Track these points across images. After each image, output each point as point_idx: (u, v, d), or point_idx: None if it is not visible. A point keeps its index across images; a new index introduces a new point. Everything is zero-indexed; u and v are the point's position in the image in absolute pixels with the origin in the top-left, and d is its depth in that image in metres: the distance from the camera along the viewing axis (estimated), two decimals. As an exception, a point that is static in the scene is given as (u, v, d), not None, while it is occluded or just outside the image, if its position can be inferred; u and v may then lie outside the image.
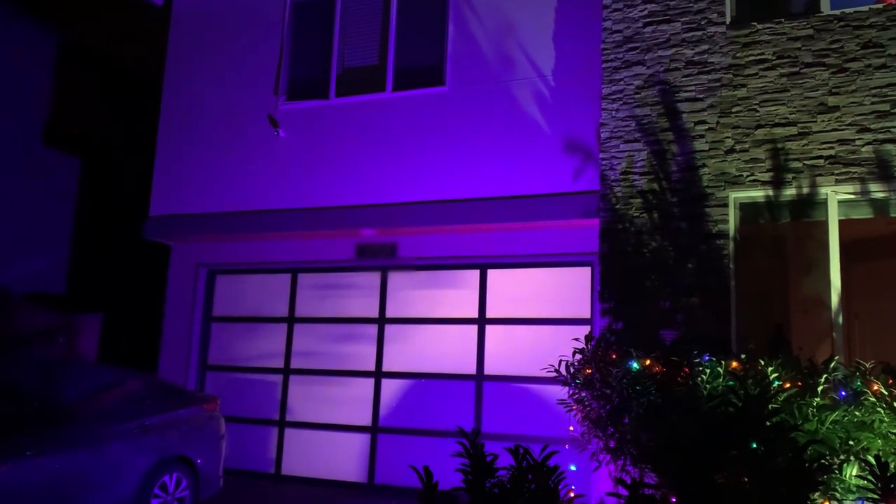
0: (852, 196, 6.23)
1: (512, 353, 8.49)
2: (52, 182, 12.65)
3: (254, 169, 9.71)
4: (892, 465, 3.59)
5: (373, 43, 9.49)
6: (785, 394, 4.85)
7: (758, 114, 6.55)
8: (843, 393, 4.97)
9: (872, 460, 3.72)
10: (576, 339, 6.31)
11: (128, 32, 13.87)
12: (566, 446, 5.99)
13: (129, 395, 6.68)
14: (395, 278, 9.30)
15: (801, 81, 6.46)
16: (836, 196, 6.24)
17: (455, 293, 8.92)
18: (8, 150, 11.80)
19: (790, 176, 6.35)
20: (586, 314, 8.12)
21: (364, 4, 9.60)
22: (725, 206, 6.50)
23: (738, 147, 6.56)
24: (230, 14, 10.36)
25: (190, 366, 9.95)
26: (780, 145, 6.42)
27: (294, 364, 9.64)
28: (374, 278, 9.39)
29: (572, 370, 6.01)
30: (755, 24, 6.71)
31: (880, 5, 6.39)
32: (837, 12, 6.49)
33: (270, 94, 9.81)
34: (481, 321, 8.70)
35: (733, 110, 6.64)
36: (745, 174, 6.49)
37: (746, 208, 6.62)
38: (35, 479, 5.50)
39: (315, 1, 9.89)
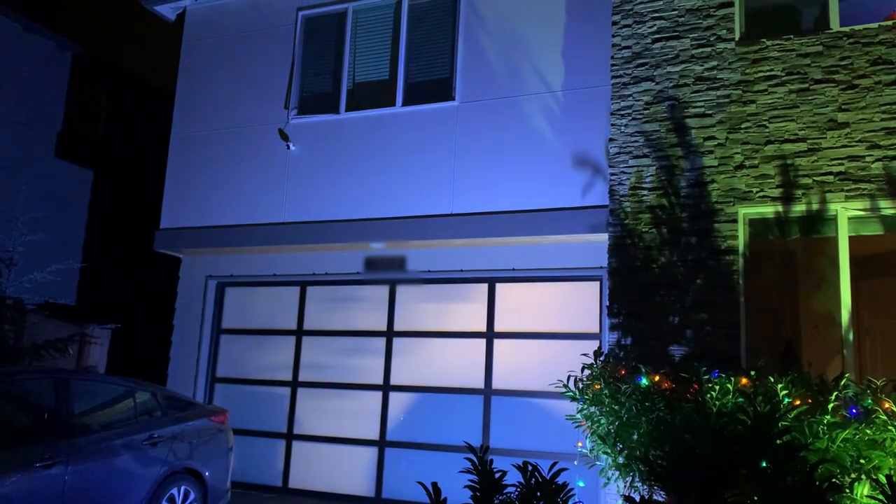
0: (862, 212, 6.21)
1: (520, 367, 8.47)
2: (63, 194, 12.76)
3: (264, 182, 9.77)
4: (903, 485, 3.56)
5: (383, 58, 9.55)
6: (795, 411, 4.83)
7: (767, 130, 6.55)
8: (854, 411, 4.94)
9: (884, 479, 3.70)
10: (584, 355, 6.31)
11: (141, 46, 14.02)
12: (575, 462, 5.99)
13: (138, 407, 6.70)
14: (403, 292, 9.31)
15: (810, 98, 6.47)
16: (846, 212, 6.23)
17: (463, 307, 8.92)
18: (21, 161, 11.91)
19: (800, 192, 6.34)
20: (595, 329, 8.10)
21: (374, 19, 9.68)
22: (735, 221, 6.50)
23: (747, 163, 6.56)
24: (241, 28, 10.46)
25: (199, 378, 9.97)
26: (789, 161, 6.42)
27: (302, 377, 9.64)
28: (382, 291, 9.40)
29: (581, 385, 6.00)
30: (764, 40, 6.73)
31: (890, 22, 6.40)
32: (847, 29, 6.50)
33: (281, 108, 9.89)
34: (490, 335, 8.69)
35: (742, 126, 6.64)
36: (754, 190, 6.49)
37: (756, 224, 6.61)
38: (44, 490, 5.51)
39: (326, 16, 9.98)
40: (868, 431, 4.81)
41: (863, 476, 4.67)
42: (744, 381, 5.23)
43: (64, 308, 12.09)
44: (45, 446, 5.60)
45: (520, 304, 8.66)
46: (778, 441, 3.79)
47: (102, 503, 5.98)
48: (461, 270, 8.81)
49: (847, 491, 4.56)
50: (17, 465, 5.38)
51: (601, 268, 7.60)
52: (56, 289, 11.31)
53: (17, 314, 10.20)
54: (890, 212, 6.14)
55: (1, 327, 9.91)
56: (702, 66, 6.90)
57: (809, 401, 4.98)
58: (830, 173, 6.28)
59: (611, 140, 7.15)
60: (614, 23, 7.37)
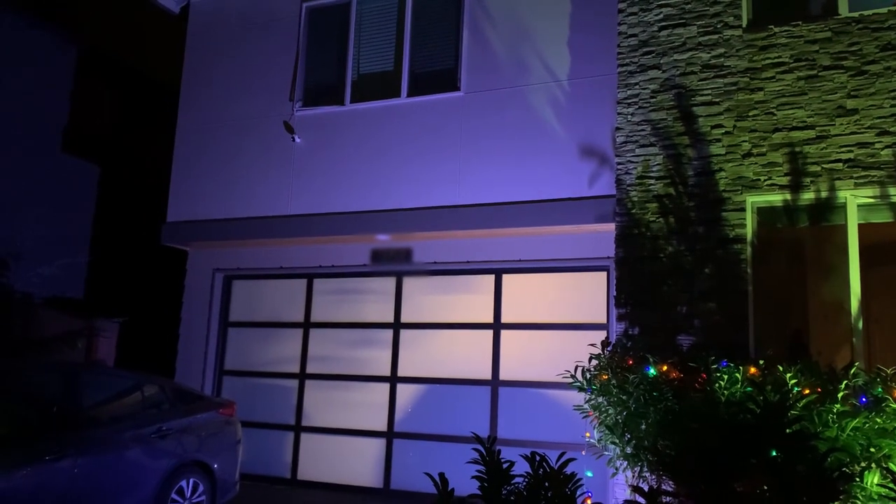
0: (872, 200, 6.16)
1: (527, 358, 8.46)
2: (70, 188, 12.79)
3: (270, 175, 9.77)
4: (914, 474, 3.54)
5: (388, 48, 9.51)
6: (804, 400, 4.79)
7: (775, 117, 6.49)
8: (864, 399, 4.91)
9: (894, 467, 3.68)
10: (592, 345, 6.29)
11: (146, 40, 14.01)
12: (583, 452, 5.98)
13: (146, 400, 6.72)
14: (410, 283, 9.30)
15: (818, 84, 6.41)
16: (855, 200, 6.18)
17: (470, 298, 8.91)
18: (27, 156, 11.94)
19: (808, 180, 6.29)
20: (602, 319, 8.08)
21: (379, 10, 9.63)
22: (743, 210, 6.45)
23: (755, 151, 6.51)
24: (246, 21, 10.44)
25: (207, 370, 10.00)
26: (797, 149, 6.36)
27: (310, 369, 9.66)
28: (389, 283, 9.40)
29: (588, 376, 5.99)
30: (772, 26, 6.66)
31: (900, 7, 6.32)
32: (856, 14, 6.43)
33: (286, 100, 9.87)
34: (496, 326, 8.68)
35: (750, 114, 6.59)
36: (762, 178, 6.44)
37: (764, 212, 6.56)
38: (54, 483, 5.54)
39: (330, 7, 9.94)
40: (878, 420, 4.78)
41: (873, 465, 4.64)
42: (752, 370, 5.20)
43: (72, 301, 12.14)
44: (54, 439, 5.62)
45: (527, 295, 8.64)
46: (788, 430, 3.77)
47: (112, 496, 6.01)
48: (468, 262, 8.79)
49: (857, 480, 4.53)
50: (27, 458, 5.41)
51: (608, 258, 7.57)
52: (64, 283, 11.37)
53: (26, 308, 10.25)
54: (900, 199, 6.08)
55: (9, 321, 9.95)
56: (709, 53, 6.85)
57: (819, 390, 4.95)
58: (839, 160, 6.22)
59: (617, 129, 7.10)
60: (620, 10, 7.31)
